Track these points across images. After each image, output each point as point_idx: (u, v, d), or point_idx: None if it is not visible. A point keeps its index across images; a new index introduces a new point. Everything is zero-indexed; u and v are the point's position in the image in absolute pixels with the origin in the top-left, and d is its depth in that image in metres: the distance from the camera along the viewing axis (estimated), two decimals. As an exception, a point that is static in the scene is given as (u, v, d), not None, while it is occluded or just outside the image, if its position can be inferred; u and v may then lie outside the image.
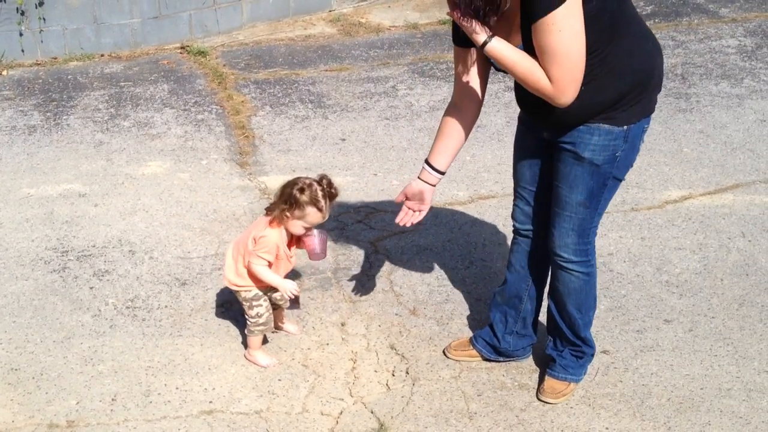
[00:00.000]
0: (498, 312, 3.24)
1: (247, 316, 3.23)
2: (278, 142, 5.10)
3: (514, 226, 3.15)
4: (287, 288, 3.09)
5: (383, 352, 3.36)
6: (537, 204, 3.03)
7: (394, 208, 4.35)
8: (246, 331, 3.27)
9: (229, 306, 3.61)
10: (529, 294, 3.17)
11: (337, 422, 3.01)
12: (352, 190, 4.54)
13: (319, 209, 3.03)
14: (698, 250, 4.01)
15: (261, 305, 3.19)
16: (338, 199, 4.38)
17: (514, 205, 3.11)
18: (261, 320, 3.21)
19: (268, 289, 3.22)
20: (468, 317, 3.56)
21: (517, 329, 3.22)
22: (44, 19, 6.25)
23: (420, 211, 3.00)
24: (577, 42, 2.47)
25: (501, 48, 2.57)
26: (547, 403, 3.09)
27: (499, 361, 3.29)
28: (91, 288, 3.75)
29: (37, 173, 4.74)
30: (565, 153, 2.78)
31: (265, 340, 3.34)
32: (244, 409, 3.06)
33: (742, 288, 3.73)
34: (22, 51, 6.29)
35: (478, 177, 4.64)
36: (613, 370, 3.25)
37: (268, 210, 3.13)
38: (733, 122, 5.31)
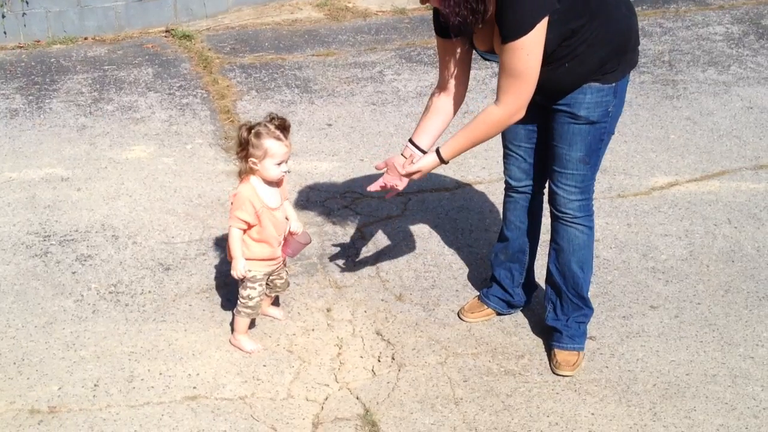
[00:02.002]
0: (502, 269, 3.37)
1: (239, 296, 3.20)
2: (264, 126, 5.06)
3: (508, 183, 3.24)
4: (237, 267, 3.06)
5: (369, 337, 3.34)
6: (532, 160, 3.14)
7: (380, 193, 4.33)
8: (234, 311, 3.24)
9: (214, 292, 3.58)
10: (530, 246, 3.33)
11: (323, 408, 2.99)
12: (339, 176, 4.51)
13: (277, 138, 2.99)
14: (684, 236, 4.01)
15: (255, 288, 3.16)
16: (325, 183, 4.42)
17: (507, 163, 3.20)
18: (250, 303, 3.18)
19: (269, 273, 3.21)
20: (455, 303, 3.54)
21: (522, 281, 3.39)
22: (27, 1, 6.17)
23: (395, 186, 3.02)
24: (538, 64, 2.65)
25: (452, 148, 2.86)
26: (565, 376, 3.12)
27: (511, 314, 3.45)
28: (74, 273, 3.70)
29: (19, 157, 4.68)
30: (560, 114, 2.89)
31: (252, 325, 3.32)
32: (228, 395, 3.03)
33: (727, 274, 3.73)
34: (5, 33, 6.22)
35: (466, 163, 4.61)
36: (599, 356, 3.25)
37: (239, 172, 3.11)
38: (719, 109, 5.31)
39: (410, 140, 3.02)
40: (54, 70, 5.81)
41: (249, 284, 3.15)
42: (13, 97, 5.41)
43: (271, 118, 3.03)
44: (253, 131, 2.98)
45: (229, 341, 3.28)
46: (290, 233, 3.21)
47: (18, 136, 4.91)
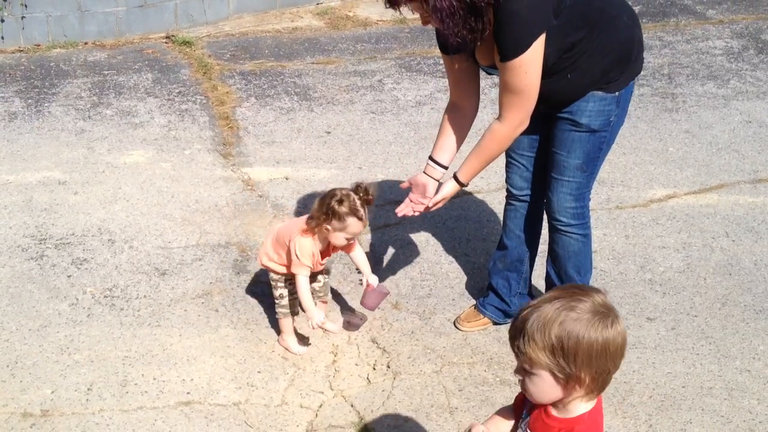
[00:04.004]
0: (500, 278, 3.38)
1: (274, 298, 3.24)
2: (263, 133, 5.06)
3: (509, 191, 3.25)
4: (314, 318, 3.08)
5: (364, 345, 3.33)
6: (535, 169, 3.16)
7: (378, 201, 4.32)
8: (276, 315, 3.28)
9: (209, 297, 3.57)
10: (529, 255, 3.34)
11: (317, 415, 2.97)
12: (337, 183, 4.49)
13: (359, 218, 3.04)
14: (682, 249, 4.00)
15: (285, 288, 3.20)
16: (323, 191, 4.39)
17: (509, 171, 3.22)
18: (282, 302, 3.22)
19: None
20: (451, 312, 3.53)
21: (519, 290, 3.38)
22: (26, 5, 6.16)
23: (421, 204, 3.04)
24: (538, 79, 2.68)
25: (468, 171, 2.92)
26: None
27: (507, 323, 3.39)
28: (69, 276, 3.69)
29: (17, 160, 4.67)
30: (562, 121, 2.92)
31: (301, 338, 3.34)
32: (222, 401, 3.02)
33: (725, 287, 3.73)
34: (2, 38, 6.20)
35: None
36: (595, 367, 3.24)
37: (308, 219, 3.11)
38: (718, 123, 5.31)
39: (430, 157, 3.03)
40: (53, 74, 5.81)
41: (278, 284, 3.22)
42: (12, 100, 5.41)
43: (358, 188, 3.07)
44: (342, 205, 3.00)
45: (278, 341, 3.30)
46: (368, 285, 3.23)
47: (16, 139, 4.90)
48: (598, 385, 1.77)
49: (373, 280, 3.23)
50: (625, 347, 1.78)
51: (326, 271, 3.37)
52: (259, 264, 3.29)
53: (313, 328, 3.11)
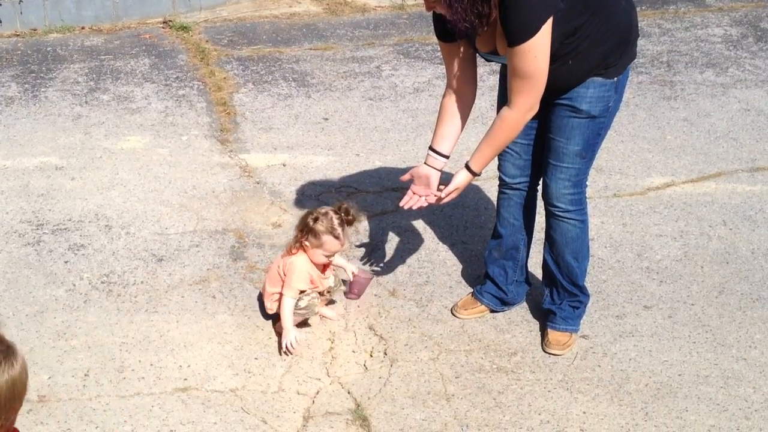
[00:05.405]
0: (496, 266, 3.38)
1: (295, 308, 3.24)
2: (260, 119, 5.05)
3: (502, 179, 3.24)
4: (288, 338, 3.11)
5: (362, 332, 3.33)
6: (529, 157, 3.14)
7: (375, 188, 4.33)
8: None
9: (206, 283, 3.57)
10: (524, 243, 3.33)
11: (314, 402, 2.98)
12: (334, 170, 4.50)
13: (336, 237, 3.11)
14: (679, 237, 4.01)
15: (302, 299, 3.19)
16: (320, 177, 4.41)
17: (502, 159, 3.20)
18: (302, 304, 3.21)
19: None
20: (448, 299, 3.53)
21: (516, 278, 3.39)
22: (24, -11, 6.14)
23: (426, 196, 3.03)
24: (546, 63, 2.66)
25: (480, 159, 2.88)
26: (554, 355, 3.20)
27: (504, 311, 3.44)
28: (66, 262, 3.69)
29: (14, 145, 4.66)
30: (561, 107, 2.91)
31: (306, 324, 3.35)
32: (219, 387, 3.02)
33: (722, 276, 3.73)
34: (0, 22, 6.18)
35: (461, 160, 4.55)
36: (591, 354, 3.24)
37: (293, 238, 3.20)
38: (717, 111, 5.30)
39: (431, 148, 3.00)
40: (50, 59, 5.79)
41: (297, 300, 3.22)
42: (9, 85, 5.39)
43: (339, 208, 3.14)
44: (318, 223, 3.09)
45: (274, 327, 3.31)
46: (353, 275, 3.36)
47: (13, 124, 4.89)
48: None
49: (354, 268, 3.36)
50: (27, 379, 1.62)
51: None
52: (268, 311, 3.30)
53: (282, 347, 3.14)
